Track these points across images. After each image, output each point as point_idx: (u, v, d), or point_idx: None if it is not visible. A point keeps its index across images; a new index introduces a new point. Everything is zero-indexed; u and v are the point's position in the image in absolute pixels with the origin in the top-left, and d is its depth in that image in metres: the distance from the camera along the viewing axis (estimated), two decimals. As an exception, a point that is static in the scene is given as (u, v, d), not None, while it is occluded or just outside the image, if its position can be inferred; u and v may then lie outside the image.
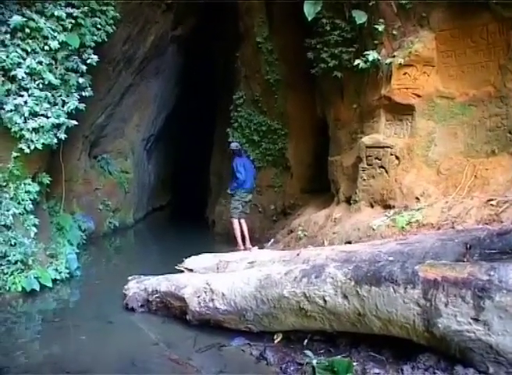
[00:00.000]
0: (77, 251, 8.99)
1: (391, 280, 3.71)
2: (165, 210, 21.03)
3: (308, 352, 4.27)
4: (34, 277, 6.77)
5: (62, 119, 7.24)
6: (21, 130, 6.77)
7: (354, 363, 3.92)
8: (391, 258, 4.44)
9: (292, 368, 4.15)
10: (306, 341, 4.52)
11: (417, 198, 6.46)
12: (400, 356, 3.85)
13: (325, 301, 4.09)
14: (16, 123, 6.72)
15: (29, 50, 6.83)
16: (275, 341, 4.70)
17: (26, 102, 6.74)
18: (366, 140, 7.15)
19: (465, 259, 4.01)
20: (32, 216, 7.16)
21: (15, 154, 6.88)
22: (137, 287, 6.23)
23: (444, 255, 4.24)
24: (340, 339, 4.35)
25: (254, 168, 10.52)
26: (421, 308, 3.54)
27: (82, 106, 7.67)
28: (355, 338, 4.23)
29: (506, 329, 3.16)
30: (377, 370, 3.76)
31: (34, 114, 6.88)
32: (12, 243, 6.68)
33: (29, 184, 7.10)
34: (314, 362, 4.00)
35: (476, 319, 3.27)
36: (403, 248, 4.64)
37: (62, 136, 7.40)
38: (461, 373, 3.32)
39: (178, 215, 19.86)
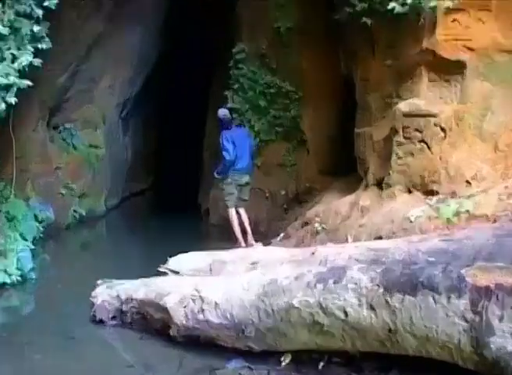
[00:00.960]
0: (32, 247, 8.95)
1: (430, 288, 3.68)
2: (146, 195, 21.11)
3: (325, 379, 4.26)
4: (-24, 281, 6.77)
5: (12, 79, 7.16)
6: (-43, 91, 6.70)
7: (383, 393, 3.91)
8: (431, 259, 4.40)
9: (303, 398, 4.15)
10: (322, 363, 4.52)
11: (467, 182, 6.41)
12: (441, 384, 3.84)
13: (346, 313, 4.08)
14: (-49, 83, 6.65)
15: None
16: (283, 364, 4.70)
17: (-36, 56, 6.66)
18: (403, 106, 7.08)
19: (527, 261, 3.96)
20: (-27, 203, 7.12)
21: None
22: (108, 293, 6.24)
23: (500, 255, 4.20)
24: (365, 362, 4.33)
25: (257, 142, 10.44)
26: (468, 324, 3.52)
27: (38, 62, 7.59)
28: (384, 361, 4.21)
29: None
30: (412, 402, 3.75)
31: (-24, 72, 6.80)
32: None
33: (-31, 162, 7.05)
34: (332, 391, 3.99)
35: (539, 339, 3.25)
36: (447, 247, 4.59)
37: (13, 100, 7.32)
38: (518, 407, 3.30)
39: (162, 201, 19.95)
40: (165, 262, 7.10)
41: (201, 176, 16.48)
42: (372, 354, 4.24)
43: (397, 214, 6.67)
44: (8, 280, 7.42)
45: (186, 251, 7.34)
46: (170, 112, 22.51)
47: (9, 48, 7.28)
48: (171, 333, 5.35)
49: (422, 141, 6.90)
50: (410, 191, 7.11)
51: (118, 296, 6.13)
